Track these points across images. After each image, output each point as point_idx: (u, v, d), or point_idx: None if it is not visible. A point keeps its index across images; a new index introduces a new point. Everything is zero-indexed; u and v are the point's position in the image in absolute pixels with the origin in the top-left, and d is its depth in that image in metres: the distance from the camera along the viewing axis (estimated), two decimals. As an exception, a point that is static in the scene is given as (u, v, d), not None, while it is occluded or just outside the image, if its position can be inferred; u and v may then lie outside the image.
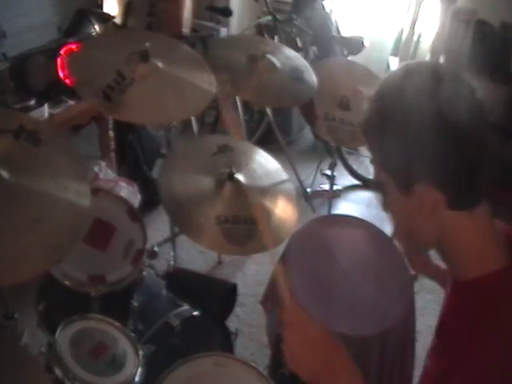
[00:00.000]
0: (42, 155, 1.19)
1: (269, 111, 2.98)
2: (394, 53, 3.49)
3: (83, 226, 1.20)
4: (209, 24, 3.44)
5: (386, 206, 0.91)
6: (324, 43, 3.20)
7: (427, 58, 3.09)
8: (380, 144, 0.85)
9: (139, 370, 1.25)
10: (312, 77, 1.96)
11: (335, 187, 2.59)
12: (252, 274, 2.58)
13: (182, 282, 1.79)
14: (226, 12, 3.30)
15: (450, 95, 0.78)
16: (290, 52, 2.08)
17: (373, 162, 0.90)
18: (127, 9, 3.00)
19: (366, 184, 3.37)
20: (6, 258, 1.01)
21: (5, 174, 1.10)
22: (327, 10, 3.27)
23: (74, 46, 2.25)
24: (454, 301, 0.87)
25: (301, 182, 2.99)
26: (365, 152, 3.61)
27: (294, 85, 1.90)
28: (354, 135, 1.98)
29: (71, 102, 2.28)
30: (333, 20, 3.26)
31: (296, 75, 1.90)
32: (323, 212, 2.83)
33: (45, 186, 1.14)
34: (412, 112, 0.78)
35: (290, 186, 1.65)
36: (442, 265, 1.12)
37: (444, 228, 0.84)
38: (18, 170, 1.13)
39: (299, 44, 3.17)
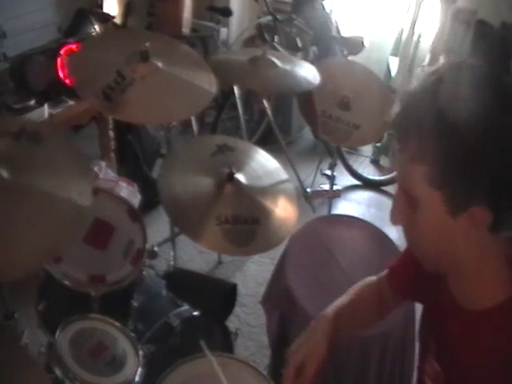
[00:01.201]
0: (42, 155, 1.19)
1: (269, 111, 2.98)
2: (394, 53, 3.49)
3: (83, 224, 1.20)
4: (209, 24, 3.44)
5: (410, 220, 0.81)
6: (324, 43, 3.20)
7: (427, 58, 3.09)
8: (443, 156, 0.72)
9: (139, 369, 1.25)
10: (311, 77, 1.96)
11: (335, 187, 2.59)
12: (252, 274, 2.58)
13: (182, 282, 1.79)
14: (226, 12, 3.30)
15: None
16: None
17: (403, 170, 0.79)
18: (127, 9, 3.00)
19: (366, 184, 3.37)
20: (5, 256, 1.02)
21: (5, 173, 1.10)
22: (327, 10, 3.27)
23: (74, 46, 2.25)
24: (474, 327, 0.82)
25: (301, 182, 2.99)
26: (365, 152, 3.61)
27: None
28: (349, 135, 1.99)
29: (71, 102, 2.28)
30: (333, 20, 3.26)
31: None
32: (323, 212, 2.83)
33: (45, 185, 1.14)
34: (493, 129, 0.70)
35: (290, 186, 1.65)
36: None
37: (475, 253, 0.80)
38: (19, 170, 1.13)
39: (299, 44, 3.17)
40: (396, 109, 0.78)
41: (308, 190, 2.99)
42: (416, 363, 1.08)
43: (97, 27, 2.61)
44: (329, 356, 1.03)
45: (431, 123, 0.72)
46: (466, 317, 0.83)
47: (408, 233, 0.84)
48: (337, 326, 1.06)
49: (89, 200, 1.16)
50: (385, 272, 1.15)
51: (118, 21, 2.92)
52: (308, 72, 1.95)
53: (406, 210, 0.80)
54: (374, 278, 1.19)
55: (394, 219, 0.84)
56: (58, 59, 2.22)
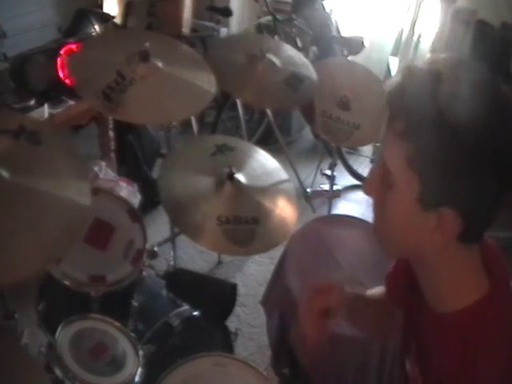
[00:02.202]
0: (42, 155, 1.19)
1: (269, 111, 2.98)
2: (394, 53, 3.49)
3: (83, 225, 1.20)
4: (209, 24, 3.45)
5: (381, 197, 0.78)
6: (324, 43, 3.20)
7: (427, 58, 3.09)
8: (425, 143, 0.70)
9: (139, 369, 1.25)
10: (312, 79, 1.96)
11: (335, 187, 2.59)
12: (252, 274, 2.58)
13: (182, 282, 1.79)
14: (226, 12, 3.31)
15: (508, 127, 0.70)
16: (291, 51, 2.08)
17: (388, 146, 0.76)
18: (127, 9, 3.00)
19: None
20: (5, 257, 1.01)
21: (5, 174, 1.10)
22: (327, 10, 3.27)
23: (74, 46, 2.25)
24: (442, 331, 0.81)
25: (301, 182, 2.99)
26: (365, 152, 3.61)
27: (289, 91, 1.90)
28: (349, 135, 1.99)
29: (71, 102, 2.28)
30: (333, 20, 3.26)
31: (293, 83, 1.90)
32: (323, 212, 2.83)
33: (45, 185, 1.14)
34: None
35: (290, 186, 1.65)
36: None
37: (439, 255, 0.78)
38: (19, 170, 1.13)
39: (299, 44, 3.16)
40: (394, 80, 0.76)
41: (308, 190, 2.99)
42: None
43: (97, 27, 2.61)
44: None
45: (425, 109, 0.70)
46: (437, 319, 0.83)
47: (376, 210, 0.82)
48: (352, 307, 1.05)
49: (88, 201, 1.16)
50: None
51: (118, 21, 2.93)
52: (307, 81, 1.95)
53: (380, 186, 0.78)
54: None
55: (368, 189, 0.81)
56: (58, 59, 2.21)
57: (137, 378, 1.23)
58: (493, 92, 0.73)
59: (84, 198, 1.16)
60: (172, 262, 2.21)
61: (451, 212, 0.71)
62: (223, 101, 3.10)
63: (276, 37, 3.07)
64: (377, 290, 1.15)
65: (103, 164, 2.42)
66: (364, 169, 3.47)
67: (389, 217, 0.80)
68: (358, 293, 1.10)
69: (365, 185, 0.82)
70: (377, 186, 0.79)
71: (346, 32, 3.32)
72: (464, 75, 0.72)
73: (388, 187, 0.76)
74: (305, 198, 2.95)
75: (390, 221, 0.80)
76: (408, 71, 0.75)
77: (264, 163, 1.65)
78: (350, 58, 3.03)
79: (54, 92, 2.25)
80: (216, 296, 1.75)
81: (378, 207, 0.82)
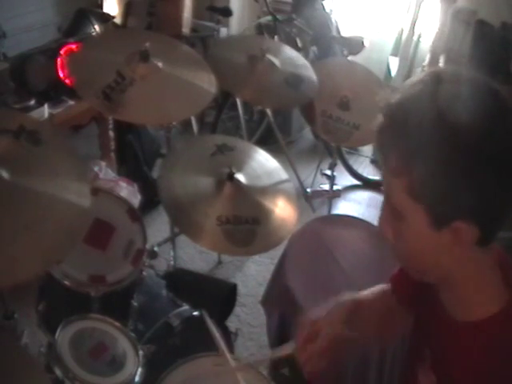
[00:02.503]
0: (42, 155, 1.19)
1: (269, 111, 2.98)
2: (394, 53, 3.49)
3: (83, 226, 1.19)
4: (209, 24, 3.44)
5: (396, 232, 0.80)
6: (324, 43, 3.20)
7: (427, 58, 3.09)
8: (423, 169, 0.70)
9: (139, 369, 1.25)
10: (312, 79, 1.96)
11: (335, 187, 2.59)
12: (252, 274, 2.58)
13: (182, 282, 1.79)
14: (226, 12, 3.31)
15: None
16: (291, 52, 2.08)
17: (386, 183, 0.78)
18: (127, 9, 3.01)
19: (366, 184, 3.37)
20: (5, 258, 1.01)
21: (5, 174, 1.10)
22: (327, 10, 3.27)
23: (74, 46, 2.25)
24: (465, 340, 0.81)
25: (301, 182, 2.99)
26: (365, 152, 3.61)
27: (289, 90, 1.90)
28: (349, 135, 1.99)
29: (71, 102, 2.29)
30: (333, 20, 3.26)
31: (293, 82, 1.90)
32: (323, 212, 2.83)
33: (45, 185, 1.14)
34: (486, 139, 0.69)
35: (290, 186, 1.65)
36: None
37: (463, 267, 0.78)
38: (18, 170, 1.13)
39: (299, 44, 3.17)
40: (378, 121, 0.77)
41: (308, 190, 3.00)
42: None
43: (97, 27, 2.61)
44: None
45: (413, 134, 0.71)
46: (459, 328, 0.82)
47: (395, 244, 0.83)
48: (352, 316, 1.05)
49: (88, 202, 1.15)
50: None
51: (118, 21, 2.93)
52: (307, 81, 1.95)
53: (392, 221, 0.80)
54: (386, 286, 1.17)
55: (383, 229, 0.83)
56: (58, 59, 2.22)
57: (137, 378, 1.23)
58: (492, 97, 0.72)
59: (84, 200, 1.16)
60: (172, 262, 2.20)
61: (464, 224, 0.71)
62: (223, 101, 3.10)
63: (276, 37, 3.08)
64: (375, 290, 1.14)
65: (103, 164, 2.42)
66: (364, 169, 3.47)
67: (407, 247, 0.81)
68: (357, 299, 1.09)
69: (379, 226, 0.84)
70: (389, 223, 0.81)
71: (346, 32, 3.32)
72: (445, 94, 0.72)
73: (399, 220, 0.78)
74: (305, 198, 2.95)
75: (409, 251, 0.81)
76: (388, 108, 0.75)
77: (264, 163, 1.65)
78: (349, 57, 3.03)
79: (54, 92, 2.25)
80: (216, 296, 1.75)
81: (396, 242, 0.82)
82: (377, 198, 3.28)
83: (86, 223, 1.22)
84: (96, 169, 2.35)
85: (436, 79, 0.74)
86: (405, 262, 0.86)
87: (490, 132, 0.69)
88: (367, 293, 1.13)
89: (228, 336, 1.63)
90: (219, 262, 2.62)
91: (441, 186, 0.70)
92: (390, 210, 0.80)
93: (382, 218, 0.83)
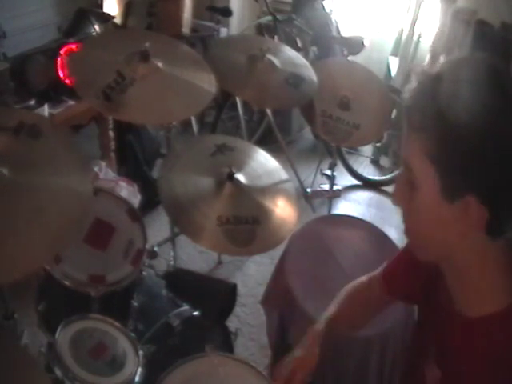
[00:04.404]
0: (42, 149, 1.19)
1: (269, 111, 2.98)
2: (394, 53, 3.49)
3: (85, 216, 1.20)
4: (209, 24, 3.45)
5: (408, 202, 0.81)
6: (324, 43, 3.20)
7: (427, 58, 3.09)
8: (444, 132, 0.72)
9: (139, 369, 1.25)
10: (312, 79, 1.96)
11: (335, 187, 2.59)
12: (252, 274, 2.58)
13: (182, 282, 1.79)
14: (226, 12, 3.31)
15: None
16: (290, 52, 2.08)
17: (406, 143, 0.79)
18: (127, 9, 3.01)
19: (366, 184, 3.37)
20: (7, 254, 1.01)
21: (5, 169, 1.10)
22: (327, 10, 3.27)
23: (74, 46, 2.25)
24: (472, 335, 0.81)
25: (301, 182, 2.99)
26: (365, 152, 3.62)
27: (290, 89, 1.90)
28: (349, 135, 1.99)
29: (71, 102, 2.29)
30: (333, 20, 3.26)
31: (293, 81, 1.90)
32: (323, 212, 2.83)
33: (46, 179, 1.14)
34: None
35: (290, 186, 1.65)
36: None
37: (468, 250, 0.79)
38: (19, 166, 1.13)
39: (299, 44, 3.17)
40: (410, 87, 0.79)
41: (308, 190, 3.00)
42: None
43: (97, 27, 2.61)
44: (326, 358, 1.07)
45: (436, 107, 0.73)
46: (465, 323, 0.82)
47: (406, 216, 0.84)
48: (328, 335, 1.11)
49: (90, 189, 1.16)
50: (378, 271, 1.15)
51: (118, 21, 2.93)
52: (307, 81, 1.95)
53: (405, 190, 0.80)
54: (364, 278, 1.19)
55: (395, 199, 0.84)
56: (58, 59, 2.22)
57: (137, 378, 1.23)
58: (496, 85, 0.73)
59: (85, 188, 1.16)
60: (172, 262, 2.21)
61: (474, 199, 0.72)
62: (223, 101, 3.10)
63: (276, 37, 3.08)
64: (336, 305, 1.19)
65: (103, 164, 2.42)
66: (364, 169, 3.47)
67: (418, 218, 0.81)
68: (330, 318, 1.15)
69: (393, 196, 0.85)
70: (403, 193, 0.82)
71: (346, 32, 3.32)
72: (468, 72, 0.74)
73: (413, 189, 0.78)
74: (305, 198, 2.95)
75: (419, 222, 0.82)
76: (421, 74, 0.79)
77: (264, 163, 1.65)
78: (349, 57, 3.03)
79: (54, 92, 2.25)
80: (216, 296, 1.75)
81: (408, 214, 0.84)
82: (377, 198, 3.28)
83: (86, 220, 1.22)
84: (96, 169, 2.35)
85: (470, 56, 0.78)
86: (412, 235, 0.86)
87: (505, 118, 0.70)
88: (335, 304, 1.18)
89: (228, 336, 1.63)
90: (219, 262, 2.62)
91: (454, 154, 0.72)
92: (405, 179, 0.80)
93: (396, 188, 0.84)
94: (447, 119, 0.71)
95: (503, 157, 0.70)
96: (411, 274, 0.99)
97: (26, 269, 1.03)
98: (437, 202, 0.76)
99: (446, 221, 0.77)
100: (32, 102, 2.15)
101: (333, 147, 2.45)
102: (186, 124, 3.04)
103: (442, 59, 2.93)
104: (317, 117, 2.01)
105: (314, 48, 3.28)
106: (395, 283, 1.09)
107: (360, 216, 1.94)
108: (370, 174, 3.44)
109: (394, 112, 2.56)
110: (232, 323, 2.00)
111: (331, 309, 1.17)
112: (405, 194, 0.81)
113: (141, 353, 1.28)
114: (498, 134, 0.70)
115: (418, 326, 1.03)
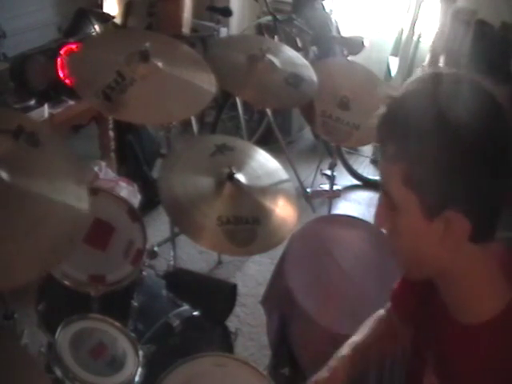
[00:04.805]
0: (40, 157, 1.19)
1: (269, 111, 2.98)
2: (394, 53, 3.49)
3: (81, 229, 1.19)
4: (209, 24, 3.44)
5: (391, 223, 0.81)
6: (324, 43, 3.20)
7: (427, 58, 3.09)
8: (418, 157, 0.73)
9: (139, 369, 1.25)
10: (312, 79, 1.96)
11: (335, 187, 2.59)
12: (252, 274, 2.58)
13: (182, 282, 1.79)
14: (226, 12, 3.30)
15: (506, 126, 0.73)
16: (290, 52, 2.08)
17: (383, 172, 0.80)
18: (127, 9, 3.00)
19: (366, 184, 3.37)
20: (3, 263, 1.00)
21: (4, 176, 1.10)
22: (327, 9, 3.27)
23: (74, 46, 2.25)
24: (469, 342, 0.80)
25: (301, 182, 2.99)
26: (365, 152, 3.61)
27: (290, 89, 1.90)
28: (349, 135, 1.99)
29: (71, 102, 2.29)
30: (333, 20, 3.26)
31: (293, 81, 1.90)
32: (323, 212, 2.83)
33: (43, 188, 1.13)
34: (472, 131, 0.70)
35: (290, 186, 1.65)
36: None
37: (458, 262, 0.78)
38: (18, 171, 1.13)
39: (299, 44, 3.17)
40: (380, 110, 0.79)
41: (308, 190, 3.00)
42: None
43: (97, 27, 2.61)
44: None
45: (411, 123, 0.73)
46: (461, 331, 0.82)
47: (390, 238, 0.84)
48: (354, 363, 1.08)
49: (86, 205, 1.15)
50: (389, 304, 1.14)
51: (118, 21, 2.92)
52: (307, 81, 1.95)
53: (387, 213, 0.81)
54: (381, 311, 1.17)
55: (378, 222, 0.85)
56: (58, 59, 2.22)
57: (137, 378, 1.23)
58: (488, 98, 0.74)
59: (82, 203, 1.15)
60: (172, 262, 2.20)
61: (456, 214, 0.72)
62: (223, 101, 3.10)
63: (276, 37, 3.08)
64: (372, 324, 1.16)
65: (103, 164, 2.42)
66: (364, 169, 3.47)
67: (402, 239, 0.82)
68: (355, 346, 1.12)
69: (375, 218, 0.85)
70: (385, 215, 0.82)
71: (346, 32, 3.32)
72: (445, 88, 0.75)
73: (394, 211, 0.79)
74: (305, 198, 2.95)
75: (404, 242, 0.82)
76: (391, 100, 0.78)
77: (264, 163, 1.65)
78: (349, 57, 3.03)
79: (54, 92, 2.25)
80: (216, 296, 1.75)
81: (392, 236, 0.84)
82: (377, 198, 3.27)
83: (84, 226, 1.21)
84: (96, 169, 2.35)
85: (436, 79, 0.76)
86: (400, 255, 0.86)
87: (487, 130, 0.71)
88: (364, 330, 1.15)
89: (228, 336, 1.63)
90: (219, 262, 2.62)
91: (433, 174, 0.72)
92: (385, 202, 0.81)
93: (377, 211, 0.84)
94: (423, 143, 0.72)
95: (481, 170, 0.71)
96: (416, 295, 0.98)
97: (21, 279, 1.02)
98: (418, 222, 0.76)
99: (431, 238, 0.77)
100: (32, 102, 2.15)
101: (333, 147, 2.45)
102: (186, 124, 3.04)
103: (441, 59, 2.93)
104: (317, 117, 2.01)
105: (314, 48, 3.28)
106: (404, 309, 1.08)
107: (360, 216, 1.94)
108: (370, 173, 3.44)
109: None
110: (232, 323, 2.00)
111: (355, 338, 1.14)
112: (387, 216, 0.82)
113: (141, 353, 1.28)
114: (477, 149, 0.70)
115: (415, 337, 1.03)
